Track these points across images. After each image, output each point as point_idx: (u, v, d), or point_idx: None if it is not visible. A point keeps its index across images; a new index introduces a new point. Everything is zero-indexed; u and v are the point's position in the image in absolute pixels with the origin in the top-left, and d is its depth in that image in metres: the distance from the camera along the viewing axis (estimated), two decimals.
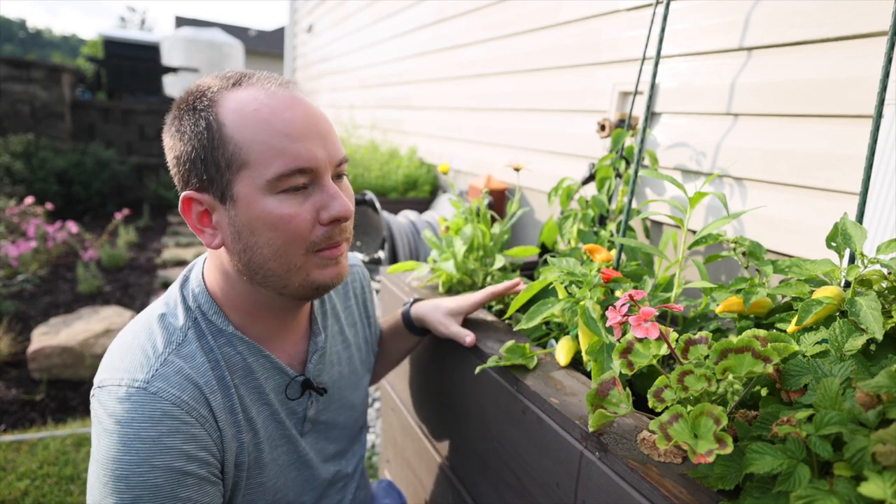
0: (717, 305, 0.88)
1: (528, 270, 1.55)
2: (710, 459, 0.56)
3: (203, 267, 0.82)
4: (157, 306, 0.79)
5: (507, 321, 1.16)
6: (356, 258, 1.12)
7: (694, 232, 1.44)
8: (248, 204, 0.70)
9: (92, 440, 0.70)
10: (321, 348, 0.90)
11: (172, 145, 0.73)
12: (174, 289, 0.81)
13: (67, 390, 2.59)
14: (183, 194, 0.73)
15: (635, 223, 1.60)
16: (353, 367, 1.02)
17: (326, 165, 0.73)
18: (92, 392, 0.72)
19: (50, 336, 2.72)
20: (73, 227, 4.36)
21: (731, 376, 0.63)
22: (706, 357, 0.69)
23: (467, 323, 1.14)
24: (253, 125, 0.69)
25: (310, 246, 0.74)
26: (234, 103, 0.70)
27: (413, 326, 1.11)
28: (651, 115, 1.59)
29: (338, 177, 0.77)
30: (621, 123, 1.63)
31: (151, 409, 0.67)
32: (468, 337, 1.01)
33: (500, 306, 1.25)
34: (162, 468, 0.66)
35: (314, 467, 0.92)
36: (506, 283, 1.10)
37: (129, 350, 0.73)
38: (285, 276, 0.75)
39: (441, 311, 1.06)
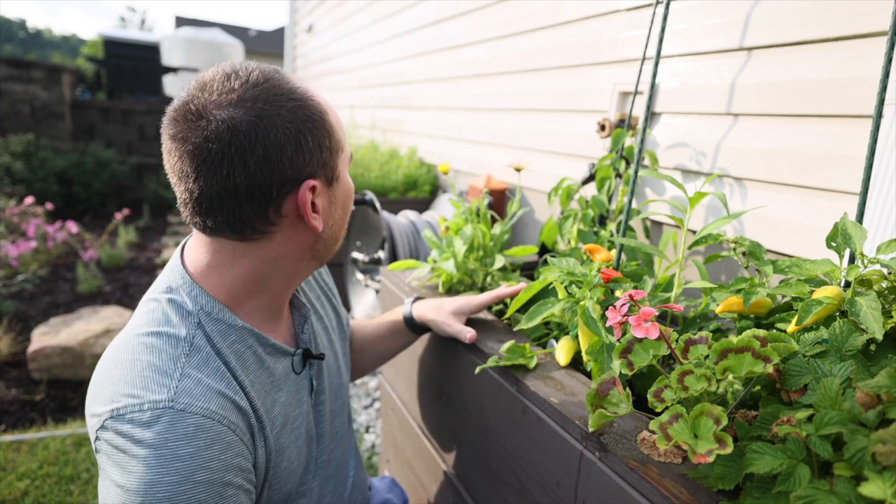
0: (717, 305, 0.88)
1: (528, 270, 1.55)
2: (710, 459, 0.56)
3: (187, 272, 0.78)
4: (139, 326, 0.73)
5: (507, 321, 1.16)
6: None
7: (694, 232, 1.44)
8: (342, 181, 0.82)
9: (108, 473, 0.65)
10: (305, 316, 0.92)
11: (265, 137, 0.68)
12: (157, 303, 0.75)
13: (67, 390, 2.59)
14: (307, 182, 0.73)
15: (635, 223, 1.60)
16: (332, 342, 1.04)
17: None
18: (102, 424, 0.66)
19: (50, 336, 2.72)
20: (73, 227, 4.36)
21: (731, 376, 0.63)
22: (706, 357, 0.69)
23: (467, 322, 1.14)
24: (335, 119, 0.79)
25: None
26: (317, 99, 0.77)
27: (414, 325, 1.12)
28: (651, 115, 1.59)
29: None
30: (621, 123, 1.63)
31: (185, 426, 0.65)
32: (468, 333, 1.03)
33: (499, 306, 1.25)
34: (204, 483, 0.65)
35: (321, 438, 0.96)
36: (513, 287, 1.11)
37: (131, 372, 0.69)
38: (337, 245, 0.87)
39: (445, 311, 1.08)
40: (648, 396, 0.67)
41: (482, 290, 1.34)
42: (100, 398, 0.68)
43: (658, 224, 1.59)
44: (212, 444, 0.66)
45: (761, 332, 0.67)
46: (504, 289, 1.10)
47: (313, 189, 0.74)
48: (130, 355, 0.70)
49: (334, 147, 0.77)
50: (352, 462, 1.10)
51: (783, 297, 0.87)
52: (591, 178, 1.65)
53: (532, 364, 0.95)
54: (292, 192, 0.73)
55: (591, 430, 0.74)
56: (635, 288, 0.93)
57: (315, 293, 1.04)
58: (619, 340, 0.74)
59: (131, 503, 0.63)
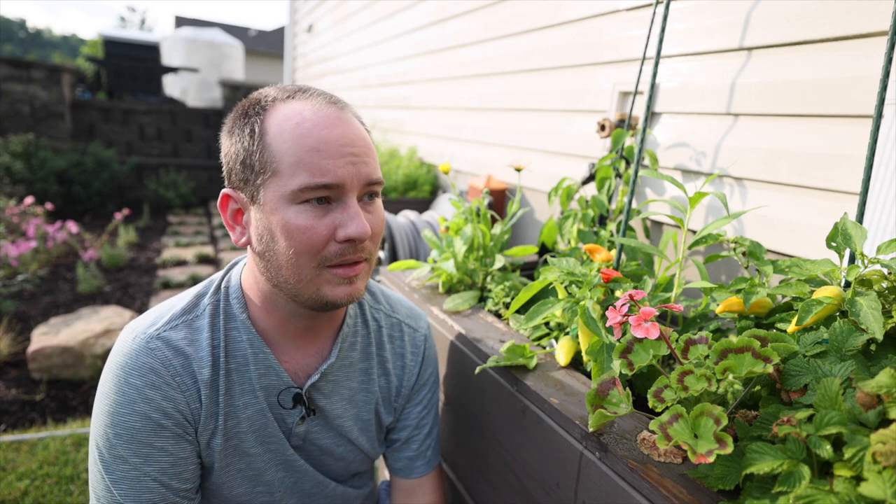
0: (717, 305, 0.88)
1: (528, 270, 1.55)
2: (710, 459, 0.56)
3: (245, 259, 0.88)
4: (205, 281, 0.88)
5: (506, 321, 1.16)
6: (428, 334, 1.05)
7: (694, 232, 1.44)
8: (272, 210, 0.74)
9: None
10: (324, 372, 0.88)
11: (224, 144, 0.80)
12: (221, 271, 0.89)
13: (67, 390, 2.59)
14: (222, 191, 0.80)
15: (635, 223, 1.60)
16: (366, 414, 0.97)
17: (353, 185, 0.75)
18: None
19: (50, 336, 2.72)
20: (73, 227, 4.36)
21: (731, 376, 0.63)
22: (706, 357, 0.69)
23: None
24: (290, 137, 0.73)
25: (321, 260, 0.75)
26: (281, 114, 0.75)
27: None
28: (651, 115, 1.59)
29: (368, 196, 0.79)
30: (621, 123, 1.63)
31: (143, 361, 0.76)
32: None
33: (499, 306, 1.25)
34: (140, 414, 0.75)
35: (308, 476, 0.92)
36: None
37: (162, 305, 0.84)
38: (297, 286, 0.77)
39: None
40: (648, 396, 0.67)
41: (482, 289, 1.34)
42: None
43: (658, 224, 1.59)
44: (157, 388, 0.76)
45: (761, 332, 0.67)
46: None
47: (234, 199, 0.79)
48: (178, 295, 0.86)
49: (264, 166, 0.73)
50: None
51: (783, 297, 0.87)
52: (591, 178, 1.65)
53: (532, 364, 0.95)
54: (221, 195, 0.81)
55: (591, 430, 0.74)
56: (635, 288, 0.93)
57: (385, 363, 0.98)
58: (619, 340, 0.74)
59: (98, 400, 0.77)
